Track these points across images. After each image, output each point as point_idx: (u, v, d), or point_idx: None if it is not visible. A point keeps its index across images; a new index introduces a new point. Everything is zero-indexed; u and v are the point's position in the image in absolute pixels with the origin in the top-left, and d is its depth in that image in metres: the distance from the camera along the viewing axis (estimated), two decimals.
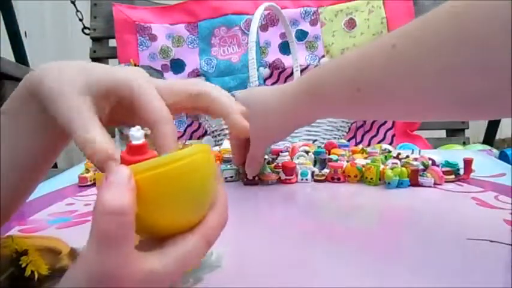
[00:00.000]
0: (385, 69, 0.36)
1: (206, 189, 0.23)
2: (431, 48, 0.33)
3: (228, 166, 0.67)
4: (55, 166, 1.40)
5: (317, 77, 0.44)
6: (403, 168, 0.61)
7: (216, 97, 0.35)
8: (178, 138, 1.28)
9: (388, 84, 0.37)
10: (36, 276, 0.27)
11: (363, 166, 0.63)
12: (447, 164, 0.65)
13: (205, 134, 1.24)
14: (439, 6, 0.33)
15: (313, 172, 0.66)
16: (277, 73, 1.25)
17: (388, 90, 0.37)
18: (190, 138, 1.28)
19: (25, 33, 1.43)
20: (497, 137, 1.41)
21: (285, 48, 1.24)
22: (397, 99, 0.38)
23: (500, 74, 0.29)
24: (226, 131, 0.97)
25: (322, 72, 0.44)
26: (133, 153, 0.22)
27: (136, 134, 0.22)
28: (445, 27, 0.32)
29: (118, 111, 0.29)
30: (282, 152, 0.71)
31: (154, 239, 0.22)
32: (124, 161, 0.23)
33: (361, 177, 0.64)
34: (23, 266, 0.27)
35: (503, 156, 0.97)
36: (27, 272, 0.27)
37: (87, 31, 1.36)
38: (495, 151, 1.07)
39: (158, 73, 1.19)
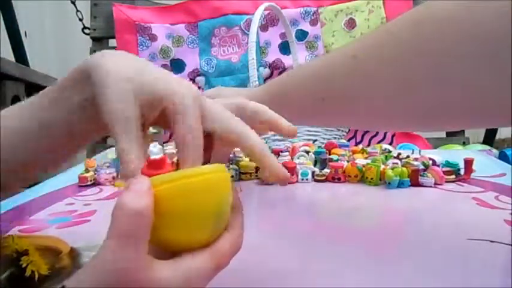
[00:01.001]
0: (347, 81, 0.37)
1: (220, 209, 0.23)
2: (390, 60, 0.33)
3: (230, 166, 0.67)
4: None
5: (283, 86, 0.45)
6: (404, 168, 0.61)
7: (271, 113, 0.37)
8: None
9: (349, 95, 0.38)
10: (36, 276, 0.27)
11: (364, 166, 0.63)
12: (447, 164, 0.65)
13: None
14: (407, 12, 0.33)
15: (313, 172, 0.66)
16: (277, 73, 1.25)
17: (350, 101, 0.38)
18: None
19: (25, 33, 1.43)
20: (497, 137, 1.41)
21: (285, 48, 1.24)
22: (358, 110, 0.38)
23: (455, 86, 0.29)
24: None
25: (288, 81, 0.45)
26: (152, 168, 0.23)
27: (154, 150, 0.23)
28: (405, 38, 0.32)
29: (158, 117, 0.29)
30: (282, 151, 0.71)
31: (164, 252, 0.22)
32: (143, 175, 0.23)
33: (362, 177, 0.64)
34: (23, 266, 0.27)
35: (503, 156, 0.97)
36: (28, 272, 0.27)
37: (87, 31, 1.36)
38: (495, 151, 1.07)
39: None
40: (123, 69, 0.26)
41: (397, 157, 0.69)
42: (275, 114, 0.37)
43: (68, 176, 0.71)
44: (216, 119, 0.28)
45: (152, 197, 0.20)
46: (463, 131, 1.29)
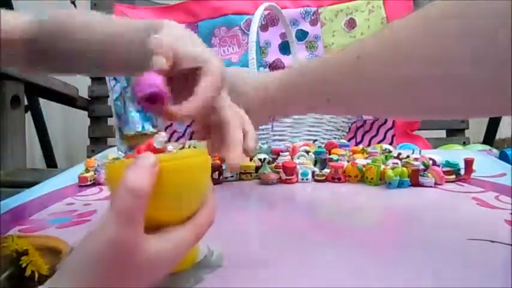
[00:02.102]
0: (350, 82, 0.39)
1: (205, 186, 0.27)
2: (391, 61, 0.34)
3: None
4: (55, 166, 1.40)
5: (294, 86, 0.48)
6: (404, 168, 0.61)
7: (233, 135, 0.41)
8: (179, 138, 1.28)
9: (351, 96, 0.40)
10: (36, 276, 0.27)
11: (364, 166, 0.63)
12: (448, 164, 0.65)
13: None
14: (414, 12, 0.34)
15: (313, 172, 0.66)
16: None
17: (351, 102, 0.41)
18: (190, 138, 1.28)
19: None
20: (497, 137, 1.40)
21: (285, 48, 1.24)
22: (363, 108, 0.43)
23: (458, 87, 0.30)
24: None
25: (298, 81, 0.48)
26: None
27: (159, 139, 0.26)
28: (403, 38, 0.33)
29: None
30: (282, 151, 0.71)
31: (149, 227, 0.23)
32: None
33: (362, 177, 0.64)
34: (23, 266, 0.27)
35: (503, 156, 0.97)
36: (28, 272, 0.27)
37: None
38: (495, 151, 1.06)
39: None
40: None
41: (397, 157, 0.69)
42: (236, 140, 0.40)
43: (68, 176, 0.71)
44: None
45: (155, 174, 0.22)
46: (463, 131, 1.29)
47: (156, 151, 0.25)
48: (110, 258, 0.21)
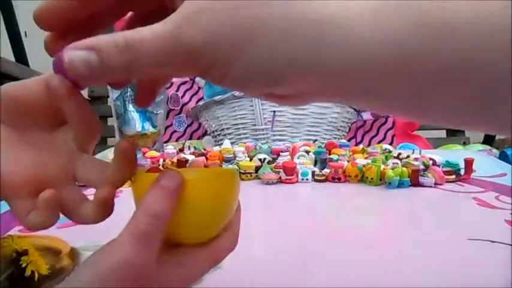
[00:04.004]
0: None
1: (231, 208, 0.24)
2: None
3: (229, 166, 0.67)
4: None
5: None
6: (404, 168, 0.61)
7: None
8: (178, 138, 1.28)
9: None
10: (36, 276, 0.27)
11: (364, 166, 0.63)
12: (448, 164, 0.65)
13: (205, 134, 1.24)
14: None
15: (313, 172, 0.66)
16: None
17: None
18: (190, 138, 1.28)
19: (25, 33, 1.43)
20: (497, 137, 1.40)
21: None
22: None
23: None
24: (227, 131, 0.97)
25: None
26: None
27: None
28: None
29: None
30: (282, 151, 0.71)
31: (167, 244, 0.22)
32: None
33: (362, 177, 0.64)
34: (23, 266, 0.27)
35: (503, 156, 0.97)
36: (27, 272, 0.27)
37: None
38: (495, 151, 1.06)
39: None
40: None
41: (397, 157, 0.69)
42: None
43: None
44: None
45: (178, 197, 0.21)
46: (463, 131, 1.29)
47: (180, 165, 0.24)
48: (121, 279, 0.20)
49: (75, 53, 0.18)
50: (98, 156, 0.86)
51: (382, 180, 0.61)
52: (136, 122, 1.03)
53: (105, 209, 0.23)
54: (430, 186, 0.60)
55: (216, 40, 0.17)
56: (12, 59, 1.26)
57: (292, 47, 0.17)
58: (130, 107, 1.07)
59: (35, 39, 1.63)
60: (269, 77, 0.18)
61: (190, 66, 0.18)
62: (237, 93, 0.90)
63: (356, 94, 0.19)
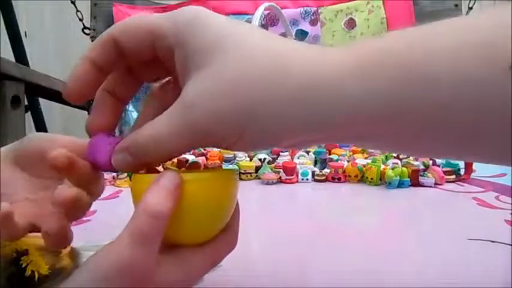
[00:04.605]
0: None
1: (230, 209, 0.24)
2: None
3: (229, 166, 0.67)
4: None
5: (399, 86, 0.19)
6: (404, 168, 0.61)
7: None
8: None
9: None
10: (36, 276, 0.27)
11: (364, 166, 0.63)
12: (448, 164, 0.65)
13: None
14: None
15: (313, 172, 0.66)
16: None
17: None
18: None
19: (25, 33, 1.43)
20: None
21: None
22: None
23: None
24: None
25: (402, 75, 0.19)
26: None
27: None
28: None
29: None
30: (282, 151, 0.71)
31: (166, 245, 0.22)
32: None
33: (362, 177, 0.64)
34: (23, 266, 0.27)
35: None
36: (28, 272, 0.26)
37: (87, 31, 1.36)
38: None
39: None
40: None
41: (397, 157, 0.69)
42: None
43: None
44: None
45: (177, 197, 0.21)
46: None
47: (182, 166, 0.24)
48: (120, 280, 0.20)
49: (116, 156, 0.23)
50: None
51: (382, 180, 0.61)
52: None
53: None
54: (430, 186, 0.60)
55: (223, 122, 0.19)
56: (12, 59, 1.26)
57: (290, 116, 0.19)
58: (130, 107, 1.06)
59: (35, 39, 1.64)
60: (272, 142, 0.21)
61: (202, 144, 0.21)
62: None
63: (351, 139, 0.22)
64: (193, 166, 0.30)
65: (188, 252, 0.23)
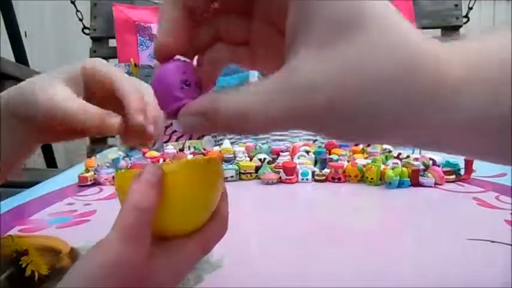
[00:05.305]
0: None
1: (216, 197, 0.24)
2: None
3: (229, 166, 0.67)
4: (55, 166, 1.40)
5: None
6: (404, 168, 0.61)
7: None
8: (178, 138, 1.28)
9: None
10: (36, 276, 0.27)
11: (364, 166, 0.63)
12: (448, 164, 0.65)
13: (205, 133, 1.24)
14: None
15: (313, 172, 0.66)
16: None
17: None
18: (190, 138, 1.28)
19: (25, 33, 1.43)
20: None
21: None
22: None
23: None
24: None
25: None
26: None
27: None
28: None
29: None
30: (282, 151, 0.71)
31: (156, 236, 0.23)
32: None
33: (362, 177, 0.64)
34: (23, 265, 0.27)
35: None
36: (27, 272, 0.27)
37: (87, 31, 1.36)
38: None
39: None
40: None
41: (397, 157, 0.69)
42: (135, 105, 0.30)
43: (68, 176, 0.71)
44: None
45: (161, 188, 0.21)
46: None
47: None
48: (111, 277, 0.20)
49: (188, 118, 0.19)
50: (98, 156, 0.86)
51: (382, 180, 0.61)
52: None
53: None
54: (430, 186, 0.60)
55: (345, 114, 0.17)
56: (12, 59, 1.26)
57: (406, 119, 0.17)
58: None
59: (35, 39, 1.64)
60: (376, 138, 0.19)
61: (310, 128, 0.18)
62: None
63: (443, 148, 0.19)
64: (178, 156, 0.30)
65: (178, 243, 0.23)
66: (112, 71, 0.31)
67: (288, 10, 0.18)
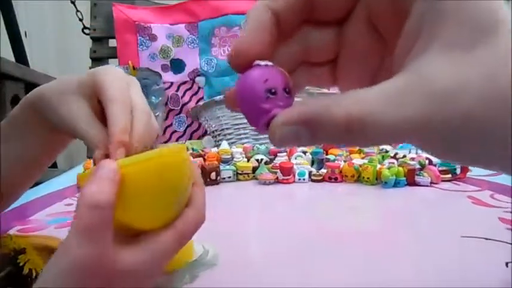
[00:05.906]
0: None
1: (182, 187, 0.23)
2: None
3: (227, 166, 0.68)
4: (55, 166, 1.41)
5: None
6: (400, 168, 0.61)
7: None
8: (178, 138, 1.29)
9: None
10: (34, 274, 0.27)
11: (360, 166, 0.64)
12: (444, 163, 0.65)
13: (205, 134, 1.24)
14: None
15: (310, 172, 0.66)
16: None
17: None
18: (190, 138, 1.28)
19: (25, 33, 1.43)
20: None
21: None
22: None
23: None
24: (227, 131, 0.98)
25: None
26: None
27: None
28: None
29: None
30: (279, 152, 0.72)
31: (128, 234, 0.22)
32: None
33: (358, 177, 0.64)
34: (21, 264, 0.27)
35: None
36: (25, 270, 0.27)
37: (87, 31, 1.36)
38: None
39: (156, 74, 1.18)
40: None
41: (394, 157, 0.69)
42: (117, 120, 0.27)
43: (67, 177, 0.71)
44: None
45: (117, 182, 0.20)
46: None
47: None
48: (76, 281, 0.19)
49: (284, 129, 0.16)
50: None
51: (378, 180, 0.62)
52: None
53: None
54: (426, 186, 0.60)
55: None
56: (12, 59, 1.26)
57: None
58: None
59: (35, 39, 1.63)
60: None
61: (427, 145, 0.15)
62: None
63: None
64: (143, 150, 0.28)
65: (151, 236, 0.22)
66: (105, 84, 0.28)
67: (406, 11, 0.16)
